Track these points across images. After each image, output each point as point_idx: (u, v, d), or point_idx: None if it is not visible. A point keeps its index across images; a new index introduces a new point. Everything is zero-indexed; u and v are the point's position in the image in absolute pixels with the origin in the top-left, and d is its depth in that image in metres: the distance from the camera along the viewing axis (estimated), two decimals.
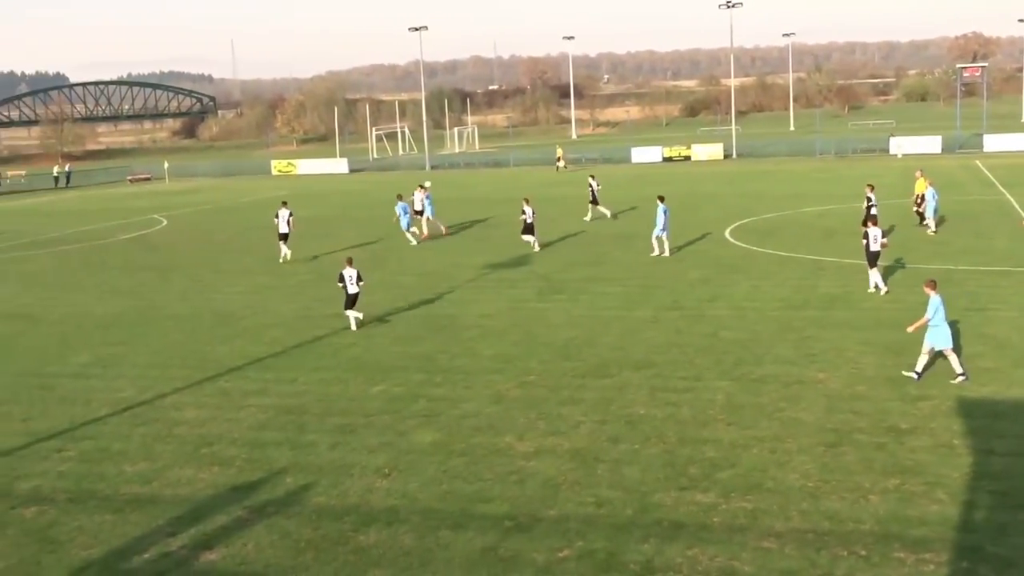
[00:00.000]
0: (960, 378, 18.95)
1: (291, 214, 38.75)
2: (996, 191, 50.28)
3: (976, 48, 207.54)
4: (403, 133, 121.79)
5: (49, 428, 19.02)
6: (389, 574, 12.61)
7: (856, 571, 12.05)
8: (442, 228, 44.44)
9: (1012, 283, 27.96)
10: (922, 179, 40.37)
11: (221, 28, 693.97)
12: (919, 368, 19.31)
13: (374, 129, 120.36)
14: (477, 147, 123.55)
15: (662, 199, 35.26)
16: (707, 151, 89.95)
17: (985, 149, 79.25)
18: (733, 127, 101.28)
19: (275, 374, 22.19)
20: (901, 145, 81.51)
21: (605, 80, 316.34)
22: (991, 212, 42.71)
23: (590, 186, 46.91)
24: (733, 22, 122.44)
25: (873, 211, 33.51)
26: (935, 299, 19.15)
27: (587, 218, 46.45)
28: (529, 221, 38.22)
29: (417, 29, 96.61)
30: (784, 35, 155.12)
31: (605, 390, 19.73)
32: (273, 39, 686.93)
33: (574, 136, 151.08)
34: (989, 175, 58.43)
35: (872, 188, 37.73)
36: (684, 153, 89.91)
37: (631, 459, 15.96)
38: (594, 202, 46.70)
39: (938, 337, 19.05)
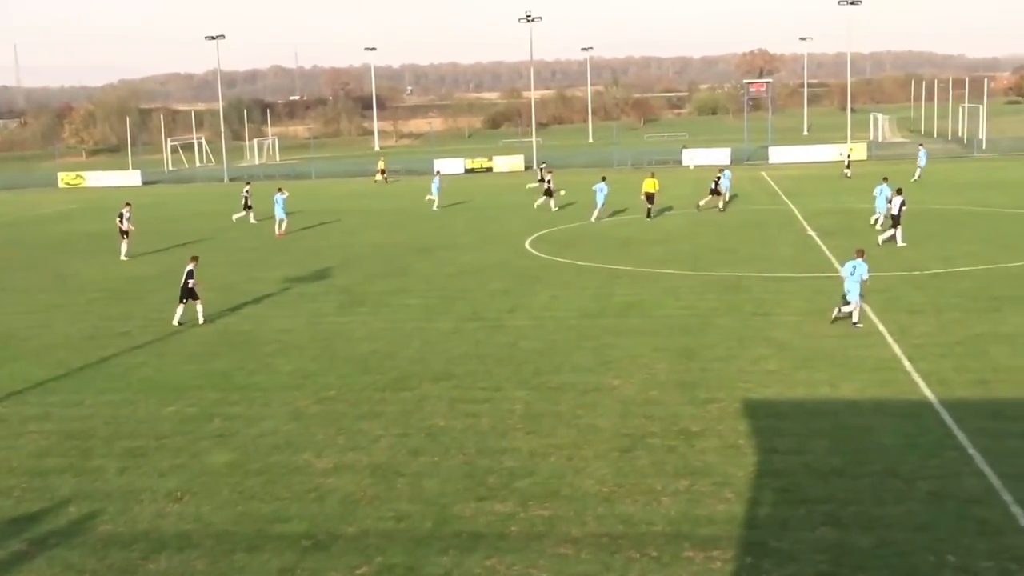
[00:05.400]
0: (848, 322, 24.14)
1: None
2: (780, 201, 52.80)
3: (762, 64, 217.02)
4: (200, 144, 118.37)
5: None
6: None
7: (648, 572, 12.38)
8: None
9: (794, 288, 29.40)
10: (652, 179, 48.02)
11: (3, 34, 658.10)
12: (854, 319, 24.20)
13: (169, 140, 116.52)
14: (278, 159, 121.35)
15: (604, 178, 46.77)
16: (508, 162, 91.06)
17: (770, 161, 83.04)
18: (534, 139, 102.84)
19: (59, 397, 21.11)
20: (694, 157, 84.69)
21: (408, 91, 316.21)
22: (776, 221, 44.81)
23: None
24: (533, 36, 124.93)
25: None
26: (850, 263, 24.39)
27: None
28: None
29: (214, 38, 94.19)
30: (583, 49, 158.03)
31: (405, 403, 19.66)
32: (61, 46, 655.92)
33: (376, 147, 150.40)
34: (774, 186, 61.24)
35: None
36: (486, 164, 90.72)
37: (431, 471, 15.95)
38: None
39: (851, 292, 24.25)
